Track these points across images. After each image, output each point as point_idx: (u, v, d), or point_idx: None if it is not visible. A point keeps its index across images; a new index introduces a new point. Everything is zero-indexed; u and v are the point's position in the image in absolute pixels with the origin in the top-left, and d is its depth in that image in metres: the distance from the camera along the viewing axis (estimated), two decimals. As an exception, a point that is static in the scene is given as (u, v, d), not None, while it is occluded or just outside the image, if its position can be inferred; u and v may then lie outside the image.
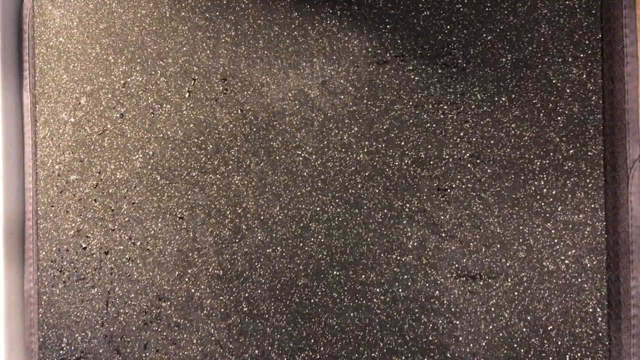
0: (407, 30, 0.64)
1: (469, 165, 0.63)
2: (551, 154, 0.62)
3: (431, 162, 0.63)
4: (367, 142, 0.65)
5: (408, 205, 0.64)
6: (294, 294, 0.65)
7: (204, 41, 0.67)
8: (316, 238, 0.65)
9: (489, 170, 0.63)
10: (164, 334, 0.67)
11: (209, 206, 0.67)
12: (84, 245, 0.69)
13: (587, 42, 0.62)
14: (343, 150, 0.65)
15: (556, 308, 0.61)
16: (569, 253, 0.61)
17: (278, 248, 0.66)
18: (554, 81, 0.62)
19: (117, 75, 0.69)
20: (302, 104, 0.66)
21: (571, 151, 0.62)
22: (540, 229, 0.62)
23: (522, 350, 0.62)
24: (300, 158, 0.66)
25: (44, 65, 0.70)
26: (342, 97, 0.65)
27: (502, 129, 0.63)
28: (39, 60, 0.70)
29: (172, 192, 0.68)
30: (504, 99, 0.63)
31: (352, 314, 0.64)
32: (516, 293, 0.62)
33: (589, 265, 0.61)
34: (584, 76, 0.62)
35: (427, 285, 0.63)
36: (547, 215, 0.62)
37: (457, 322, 0.63)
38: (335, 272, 0.65)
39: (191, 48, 0.68)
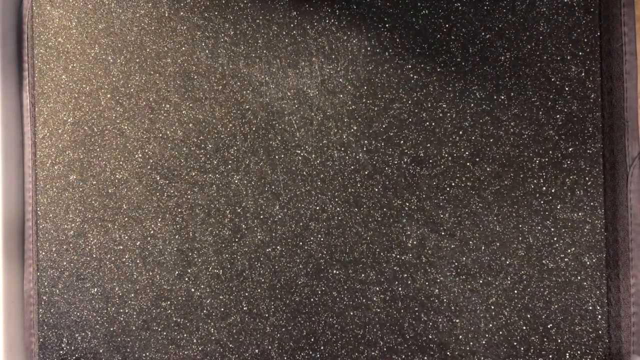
0: (405, 29, 0.64)
1: (468, 163, 0.63)
2: (550, 152, 0.62)
3: (430, 161, 0.64)
4: (366, 141, 0.65)
5: (407, 204, 0.64)
6: (294, 293, 0.65)
7: (203, 41, 0.67)
8: (316, 237, 0.65)
9: (488, 169, 0.63)
10: (164, 333, 0.67)
11: (209, 206, 0.67)
12: (83, 245, 0.69)
13: (585, 40, 0.62)
14: (342, 149, 0.65)
15: (556, 306, 0.61)
16: (569, 251, 0.61)
17: (278, 247, 0.66)
18: (552, 79, 0.62)
19: (116, 75, 0.69)
20: (301, 103, 0.66)
21: (570, 149, 0.62)
22: (539, 227, 0.62)
23: (522, 349, 0.62)
24: (300, 157, 0.66)
25: (43, 66, 0.70)
26: (341, 96, 0.65)
27: (501, 127, 0.63)
28: (38, 60, 0.71)
29: (172, 192, 0.68)
30: (502, 97, 0.63)
31: (351, 313, 0.64)
32: (516, 291, 0.62)
33: (588, 263, 0.61)
34: (583, 74, 0.62)
35: (427, 283, 0.63)
36: (547, 213, 0.62)
37: (457, 321, 0.63)
38: (334, 271, 0.65)
39: (190, 48, 0.68)
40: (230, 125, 0.67)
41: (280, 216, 0.66)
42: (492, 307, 0.62)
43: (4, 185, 0.70)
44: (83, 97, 0.69)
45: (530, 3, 0.62)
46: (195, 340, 0.67)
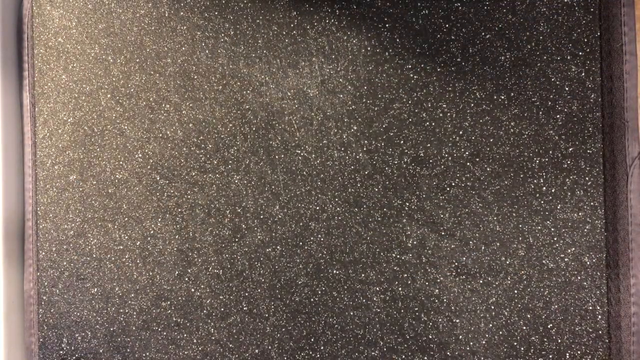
0: (406, 29, 0.64)
1: (468, 163, 0.63)
2: (550, 152, 0.62)
3: (430, 161, 0.64)
4: (366, 141, 0.65)
5: (407, 204, 0.64)
6: (294, 293, 0.65)
7: (203, 41, 0.67)
8: (316, 237, 0.65)
9: (488, 169, 0.63)
10: (164, 333, 0.67)
11: (209, 206, 0.67)
12: (83, 246, 0.69)
13: (585, 40, 0.62)
14: (342, 149, 0.65)
15: (556, 306, 0.61)
16: (569, 251, 0.61)
17: (278, 247, 0.66)
18: (552, 79, 0.62)
19: (116, 75, 0.69)
20: (301, 103, 0.66)
21: (570, 149, 0.62)
22: (539, 227, 0.62)
23: (522, 349, 0.62)
24: (300, 157, 0.66)
25: (43, 66, 0.70)
26: (341, 96, 0.65)
27: (501, 127, 0.63)
28: (38, 60, 0.71)
29: (172, 192, 0.68)
30: (502, 97, 0.63)
31: (352, 313, 0.64)
32: (516, 291, 0.62)
33: (588, 263, 0.61)
34: (583, 74, 0.62)
35: (427, 283, 0.63)
36: (547, 213, 0.62)
37: (457, 321, 0.63)
38: (335, 271, 0.65)
39: (190, 48, 0.68)
40: (230, 125, 0.67)
41: (280, 216, 0.66)
42: (492, 307, 0.62)
43: (4, 185, 0.70)
44: (83, 97, 0.69)
45: (530, 3, 0.62)
46: (195, 340, 0.67)
